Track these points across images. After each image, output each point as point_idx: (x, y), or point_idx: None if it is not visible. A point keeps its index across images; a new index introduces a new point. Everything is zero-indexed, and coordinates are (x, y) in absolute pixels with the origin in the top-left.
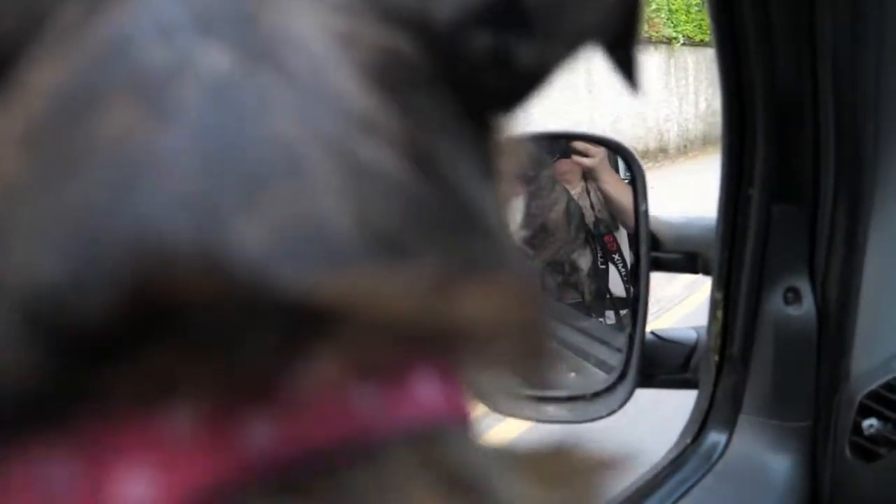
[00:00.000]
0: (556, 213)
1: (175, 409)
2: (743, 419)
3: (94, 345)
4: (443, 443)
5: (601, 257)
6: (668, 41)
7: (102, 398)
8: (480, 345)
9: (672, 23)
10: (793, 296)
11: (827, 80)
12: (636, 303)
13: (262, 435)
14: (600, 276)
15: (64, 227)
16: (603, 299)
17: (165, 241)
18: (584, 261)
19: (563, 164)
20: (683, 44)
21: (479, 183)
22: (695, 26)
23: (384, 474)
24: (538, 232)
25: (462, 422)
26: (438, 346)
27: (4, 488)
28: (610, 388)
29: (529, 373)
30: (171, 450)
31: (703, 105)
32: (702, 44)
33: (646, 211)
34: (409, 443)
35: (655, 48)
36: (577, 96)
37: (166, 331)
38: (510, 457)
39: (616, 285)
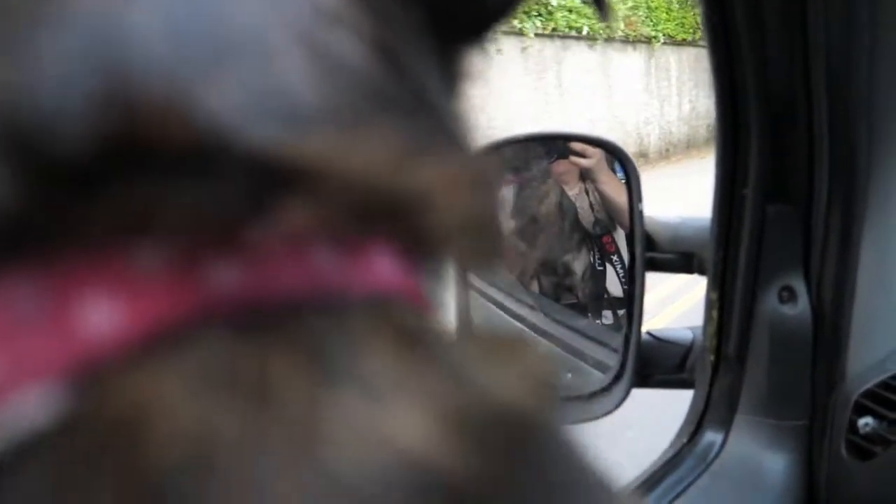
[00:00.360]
0: (548, 206)
1: (144, 247)
2: (739, 419)
3: (70, 175)
4: (400, 312)
5: (599, 258)
6: (648, 40)
7: (74, 231)
8: (435, 223)
9: (652, 21)
10: (788, 295)
11: (820, 79)
12: (631, 303)
13: (227, 277)
14: (598, 277)
15: (48, 51)
16: (601, 300)
17: (140, 83)
18: (580, 264)
19: (561, 165)
20: (664, 43)
21: (441, 88)
22: (676, 24)
23: (346, 325)
24: (529, 224)
25: (418, 303)
26: (396, 221)
27: None
28: (606, 389)
29: (482, 257)
30: (138, 283)
31: (686, 107)
32: (684, 43)
33: (641, 211)
34: (369, 304)
35: (634, 48)
36: (548, 99)
37: (140, 169)
38: (467, 335)
39: (614, 286)
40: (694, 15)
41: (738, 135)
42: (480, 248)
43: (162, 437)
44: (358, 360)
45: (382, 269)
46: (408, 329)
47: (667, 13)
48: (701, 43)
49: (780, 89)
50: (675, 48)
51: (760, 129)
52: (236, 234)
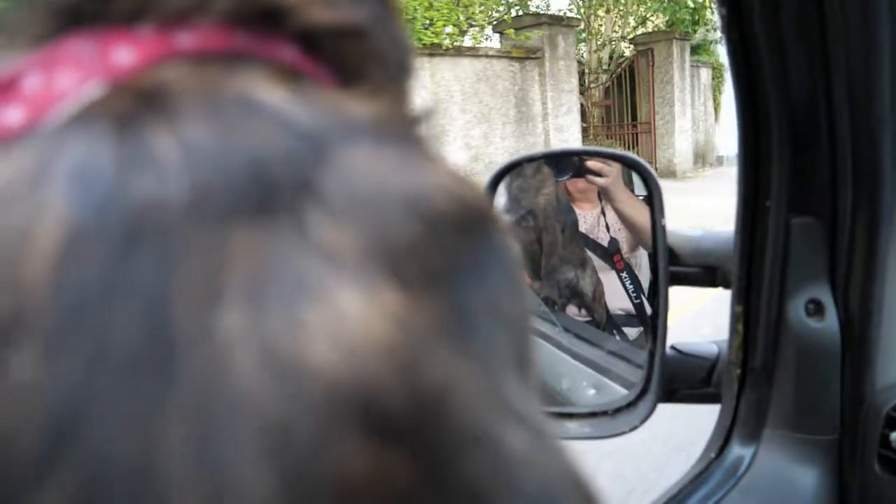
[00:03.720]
0: (545, 198)
1: (143, 23)
2: (768, 433)
3: None
4: (285, 70)
5: (618, 274)
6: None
7: (106, 14)
8: (304, 23)
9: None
10: (814, 307)
11: (842, 90)
12: (655, 318)
13: (186, 39)
14: (606, 295)
15: None
16: (613, 318)
17: None
18: (587, 284)
19: (578, 184)
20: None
21: None
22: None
23: (251, 68)
24: (525, 216)
25: (309, 73)
26: (277, 22)
27: None
28: (631, 405)
29: (356, 58)
30: (141, 41)
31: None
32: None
33: (663, 226)
34: (266, 61)
35: None
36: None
37: None
38: None
39: (623, 302)
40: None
41: (759, 147)
42: (351, 48)
43: (168, 88)
44: (256, 84)
45: (276, 49)
46: (288, 75)
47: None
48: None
49: (802, 101)
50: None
51: (781, 141)
52: (191, 17)
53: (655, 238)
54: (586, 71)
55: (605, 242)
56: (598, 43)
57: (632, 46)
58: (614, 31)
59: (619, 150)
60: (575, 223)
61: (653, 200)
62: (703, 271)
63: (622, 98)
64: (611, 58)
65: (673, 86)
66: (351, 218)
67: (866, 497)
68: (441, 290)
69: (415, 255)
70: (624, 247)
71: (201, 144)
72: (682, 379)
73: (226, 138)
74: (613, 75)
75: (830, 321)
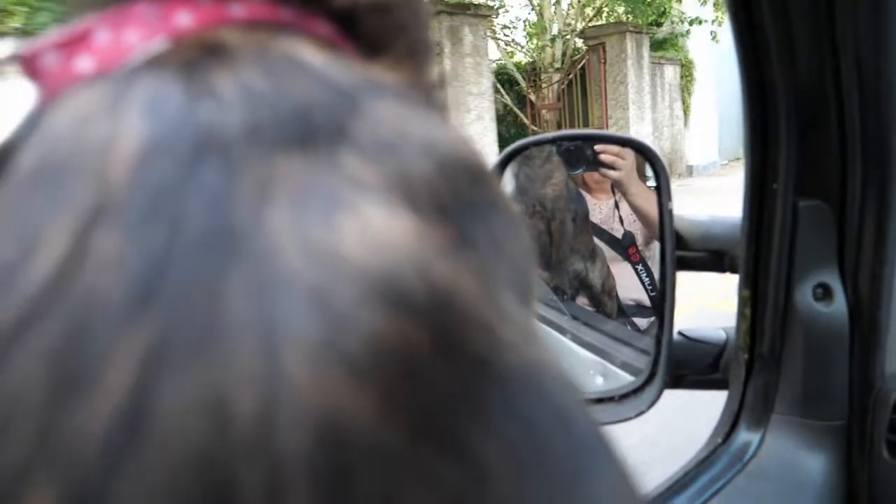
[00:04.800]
0: (554, 188)
1: None
2: (775, 418)
3: None
4: (322, 40)
5: (633, 266)
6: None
7: None
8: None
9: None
10: (822, 292)
11: (850, 71)
12: (662, 303)
13: (238, 10)
14: (623, 287)
15: None
16: (624, 308)
17: None
18: (595, 276)
19: (594, 175)
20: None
21: None
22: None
23: (292, 35)
24: (534, 206)
25: (343, 48)
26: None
27: None
28: (638, 390)
29: (390, 31)
30: (199, 8)
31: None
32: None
33: (670, 210)
34: (305, 32)
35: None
36: None
37: None
38: None
39: (637, 293)
40: None
41: (766, 129)
42: (378, 24)
43: (225, 43)
44: (300, 48)
45: (315, 24)
46: (325, 45)
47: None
48: None
49: (809, 82)
50: None
51: (789, 123)
52: None
53: (662, 222)
54: (539, 69)
55: (619, 234)
56: (549, 38)
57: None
58: (567, 24)
59: (623, 134)
60: (585, 213)
61: (659, 184)
62: (710, 256)
63: (573, 100)
64: (564, 54)
65: (627, 86)
66: (376, 157)
67: (874, 483)
68: (448, 220)
69: (427, 190)
70: (639, 239)
71: (256, 88)
72: (689, 365)
73: (276, 85)
74: (566, 74)
75: (839, 305)
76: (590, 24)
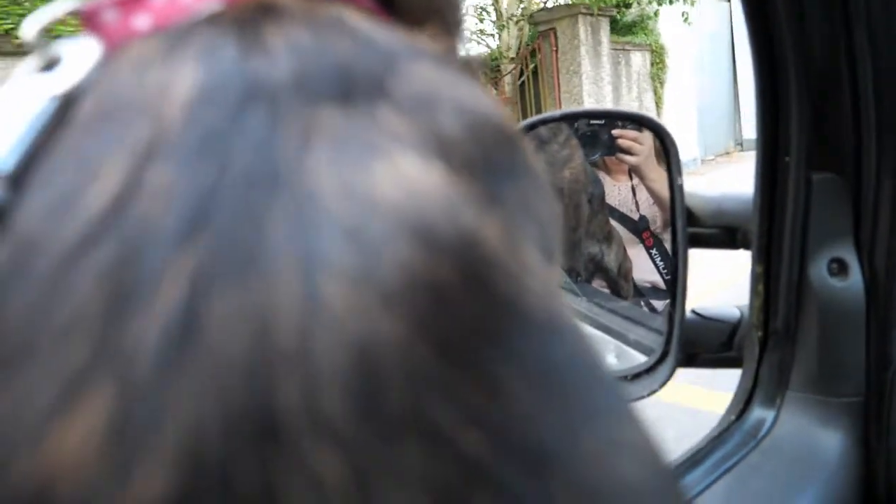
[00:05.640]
0: (571, 171)
1: None
2: (790, 395)
3: None
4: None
5: (646, 250)
6: None
7: None
8: None
9: None
10: (838, 267)
11: (862, 41)
12: (675, 281)
13: None
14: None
15: None
16: (640, 290)
17: None
18: (611, 259)
19: (609, 162)
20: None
21: None
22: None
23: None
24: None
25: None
26: None
27: None
28: (651, 369)
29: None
30: None
31: None
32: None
33: (680, 185)
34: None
35: None
36: None
37: None
38: None
39: (652, 275)
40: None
41: (778, 101)
42: (417, 2)
43: (276, 5)
44: (345, 12)
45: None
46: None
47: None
48: None
49: (820, 53)
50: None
51: (800, 94)
52: None
53: (674, 198)
54: (497, 60)
55: (636, 217)
56: (499, 23)
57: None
58: (522, 7)
59: (631, 111)
60: (602, 195)
61: (669, 160)
62: (723, 232)
63: (525, 93)
64: (520, 43)
65: (581, 76)
66: (412, 113)
67: (893, 460)
68: (476, 175)
69: (458, 146)
70: (658, 223)
71: (303, 44)
72: (702, 343)
73: (322, 43)
74: (518, 65)
75: (854, 280)
76: (540, 7)
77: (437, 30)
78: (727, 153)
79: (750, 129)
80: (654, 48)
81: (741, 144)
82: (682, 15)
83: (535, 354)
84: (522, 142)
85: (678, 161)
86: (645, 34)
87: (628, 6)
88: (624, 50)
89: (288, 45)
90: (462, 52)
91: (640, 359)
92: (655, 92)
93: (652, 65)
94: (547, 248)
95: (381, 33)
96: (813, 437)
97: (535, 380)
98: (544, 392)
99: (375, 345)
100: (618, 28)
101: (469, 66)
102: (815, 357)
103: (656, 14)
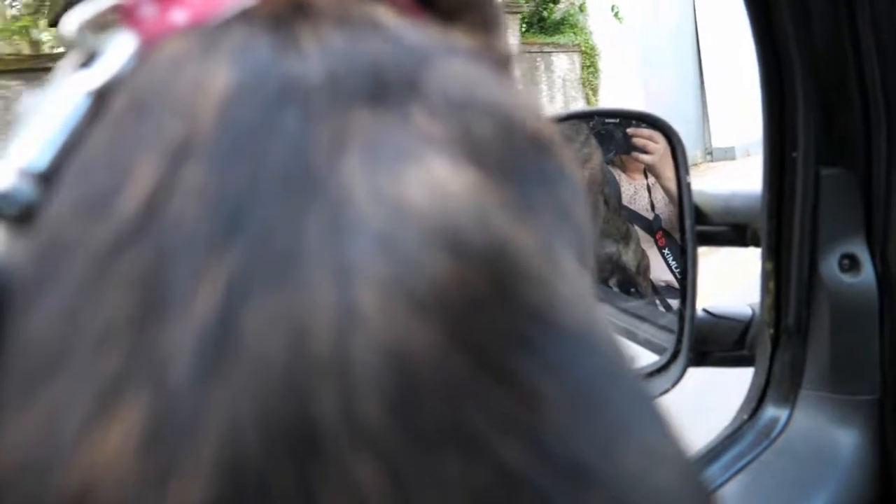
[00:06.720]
0: (590, 171)
1: None
2: (804, 394)
3: None
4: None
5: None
6: None
7: None
8: None
9: None
10: (849, 263)
11: (868, 32)
12: (684, 279)
13: None
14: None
15: None
16: (657, 289)
17: None
18: (629, 258)
19: (625, 160)
20: None
21: None
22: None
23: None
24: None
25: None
26: None
27: None
28: (662, 369)
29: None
30: None
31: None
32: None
33: (688, 183)
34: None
35: None
36: None
37: None
38: None
39: (664, 274)
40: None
41: (784, 96)
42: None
43: (311, 3)
44: (379, 12)
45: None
46: (402, 12)
47: None
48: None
49: (825, 44)
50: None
51: (806, 88)
52: None
53: (681, 196)
54: None
55: (650, 217)
56: None
57: None
58: None
59: (636, 110)
60: (618, 195)
61: (676, 158)
62: (732, 230)
63: None
64: None
65: None
66: (444, 114)
67: None
68: (508, 178)
69: (490, 149)
70: (673, 221)
71: (336, 44)
72: (714, 342)
73: (355, 43)
74: None
75: (867, 276)
76: None
77: (472, 25)
78: (695, 164)
79: (721, 137)
80: (583, 49)
81: (711, 154)
82: (612, 10)
83: (569, 364)
84: (558, 144)
85: (685, 159)
86: (574, 33)
87: (556, 2)
88: (543, 52)
89: (321, 45)
90: (501, 46)
91: (652, 357)
92: (588, 99)
93: (583, 68)
94: (582, 252)
95: (414, 31)
96: (827, 436)
97: (571, 389)
98: (579, 402)
99: (411, 353)
100: (546, 27)
101: (505, 62)
102: (827, 354)
103: (582, 8)
